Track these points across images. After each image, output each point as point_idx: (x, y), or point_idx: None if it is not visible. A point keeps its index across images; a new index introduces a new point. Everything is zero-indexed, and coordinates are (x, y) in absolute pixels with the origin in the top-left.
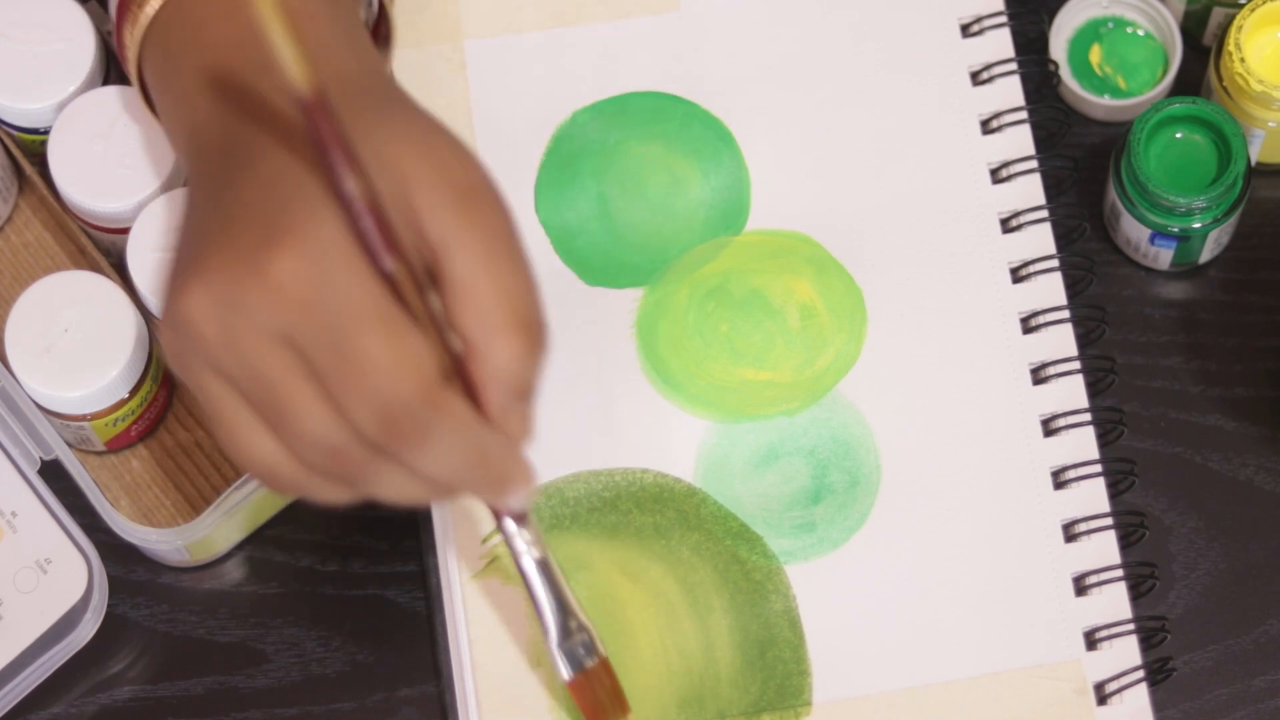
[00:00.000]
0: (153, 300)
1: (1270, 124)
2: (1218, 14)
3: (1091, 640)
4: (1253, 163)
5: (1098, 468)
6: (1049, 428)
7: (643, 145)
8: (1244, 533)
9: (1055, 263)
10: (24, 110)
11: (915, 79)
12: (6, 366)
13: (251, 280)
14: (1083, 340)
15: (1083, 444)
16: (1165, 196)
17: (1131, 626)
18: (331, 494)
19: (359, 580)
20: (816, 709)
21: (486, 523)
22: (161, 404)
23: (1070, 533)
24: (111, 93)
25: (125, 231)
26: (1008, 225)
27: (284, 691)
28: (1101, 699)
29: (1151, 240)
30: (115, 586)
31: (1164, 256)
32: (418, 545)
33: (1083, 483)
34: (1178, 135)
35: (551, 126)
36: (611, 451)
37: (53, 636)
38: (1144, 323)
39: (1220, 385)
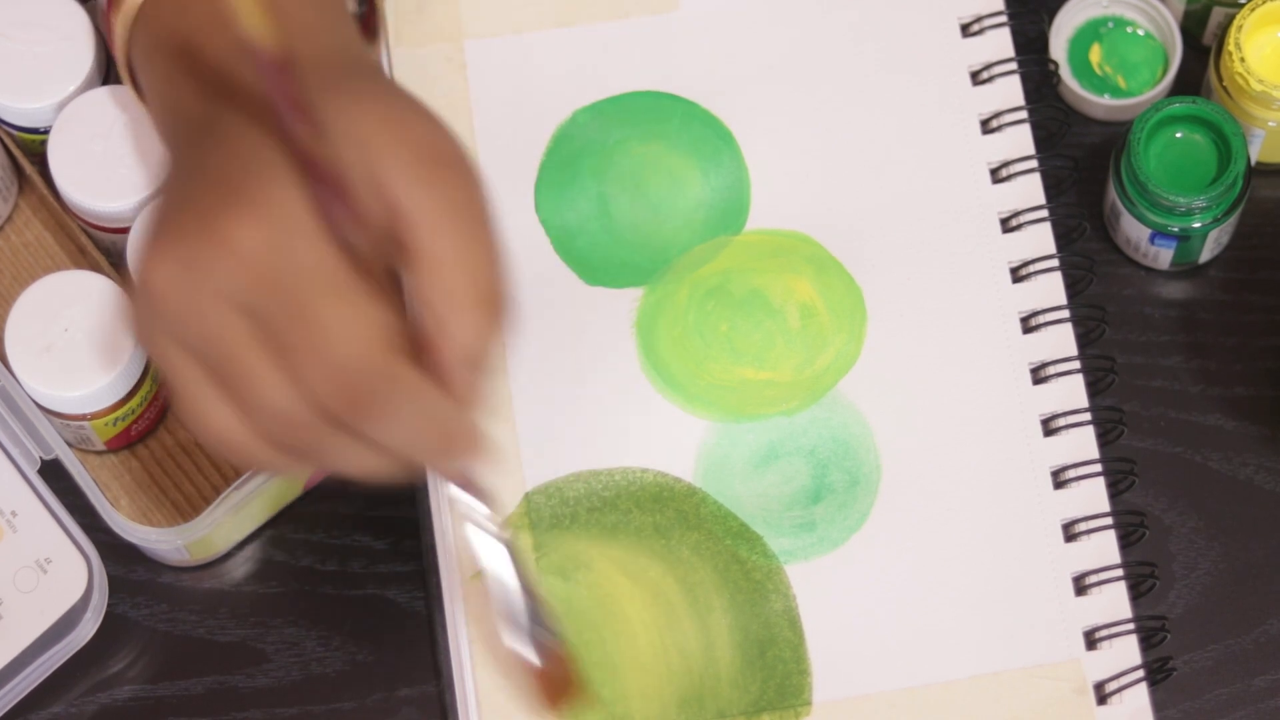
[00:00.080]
0: None
1: (1270, 124)
2: (1218, 14)
3: (1091, 640)
4: (1253, 162)
5: (1098, 467)
6: (1049, 427)
7: (643, 145)
8: (1244, 532)
9: (1055, 262)
10: (24, 110)
11: (915, 79)
12: (6, 366)
13: (210, 245)
14: (1083, 340)
15: (1083, 444)
16: (1165, 196)
17: (1131, 626)
18: (288, 466)
19: (359, 580)
20: (816, 709)
21: None
22: (161, 404)
23: (1070, 532)
24: (111, 93)
25: (125, 231)
26: (1008, 225)
27: (284, 691)
28: (1101, 699)
29: (1151, 240)
30: (115, 586)
31: (1164, 256)
32: (418, 545)
33: (1083, 482)
34: (1178, 135)
35: (551, 126)
36: (611, 451)
37: (53, 636)
38: (1144, 322)
39: (1220, 385)
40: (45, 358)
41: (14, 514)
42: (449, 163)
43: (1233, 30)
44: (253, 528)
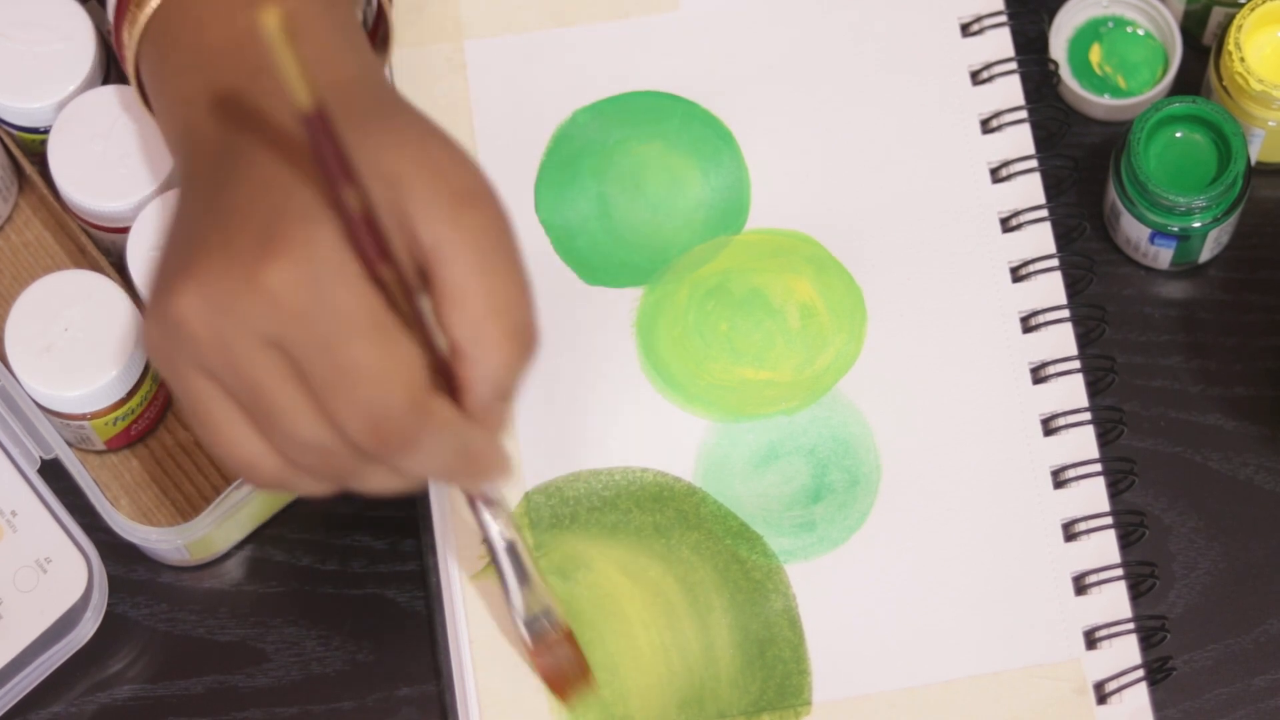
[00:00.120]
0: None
1: (1270, 123)
2: (1217, 13)
3: (1091, 640)
4: (1252, 162)
5: (1097, 467)
6: (1049, 427)
7: (643, 145)
8: (1244, 532)
9: (1055, 262)
10: (24, 110)
11: (915, 79)
12: (6, 366)
13: (247, 286)
14: (1083, 340)
15: (1082, 443)
16: (1165, 196)
17: (1131, 626)
18: (314, 489)
19: (359, 580)
20: (816, 708)
21: None
22: (161, 404)
23: (1070, 532)
24: (111, 93)
25: (125, 231)
26: (1008, 225)
27: (284, 691)
28: (1101, 698)
29: (1151, 240)
30: (115, 586)
31: (1164, 256)
32: (418, 545)
33: (1082, 482)
34: (1177, 135)
35: (551, 126)
36: (611, 451)
37: (53, 635)
38: (1144, 322)
39: (1220, 385)
40: (45, 357)
41: (14, 514)
42: (477, 199)
43: (1233, 30)
44: (253, 527)
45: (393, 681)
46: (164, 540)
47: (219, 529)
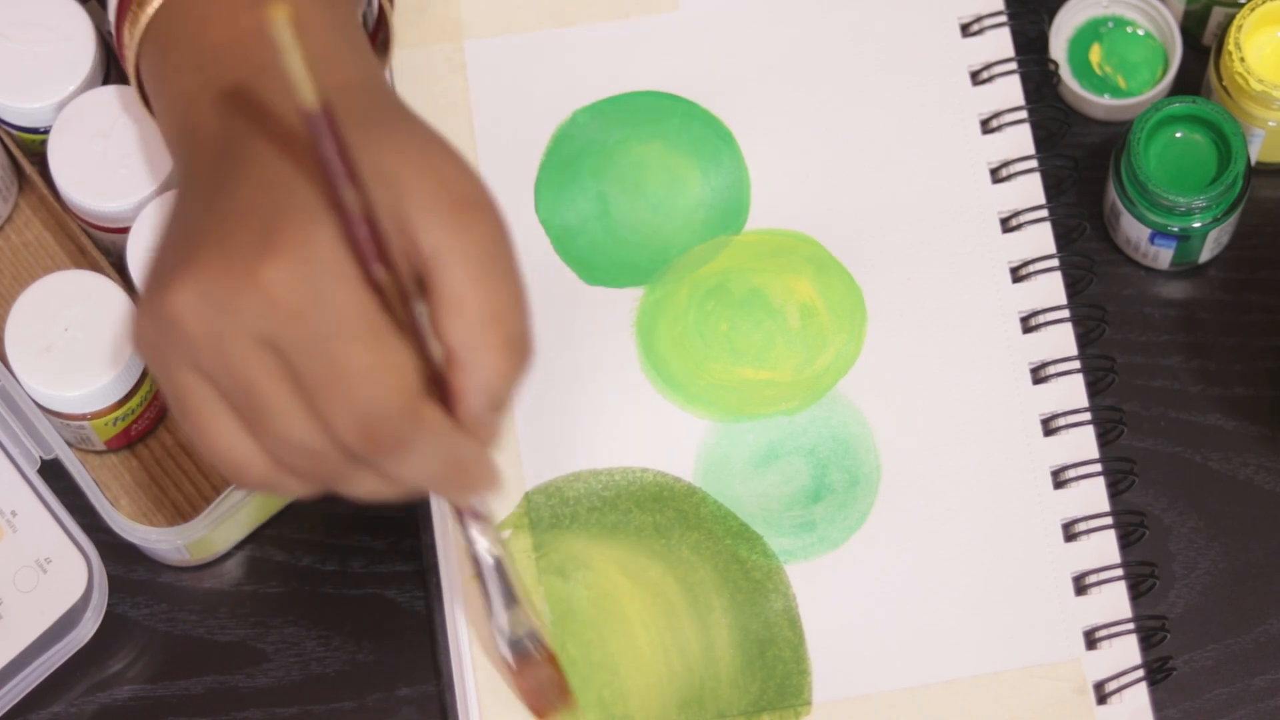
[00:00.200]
0: None
1: (1270, 123)
2: (1218, 13)
3: (1091, 640)
4: (1252, 162)
5: (1098, 467)
6: (1049, 427)
7: (643, 145)
8: (1244, 532)
9: (1055, 262)
10: (24, 110)
11: (915, 79)
12: (6, 366)
13: (243, 284)
14: (1083, 340)
15: (1083, 443)
16: (1165, 196)
17: (1131, 626)
18: (300, 491)
19: (359, 580)
20: (816, 708)
21: None
22: (161, 404)
23: (1070, 532)
24: (111, 93)
25: (125, 231)
26: (1008, 225)
27: (284, 691)
28: (1101, 698)
29: (1151, 240)
30: (115, 586)
31: (1164, 256)
32: (418, 545)
33: (1082, 482)
34: (1177, 135)
35: (551, 126)
36: (611, 451)
37: (53, 636)
38: (1144, 322)
39: (1220, 385)
40: (45, 358)
41: (14, 514)
42: (477, 208)
43: (1233, 30)
44: (253, 527)
45: (393, 681)
46: (164, 540)
47: (219, 529)
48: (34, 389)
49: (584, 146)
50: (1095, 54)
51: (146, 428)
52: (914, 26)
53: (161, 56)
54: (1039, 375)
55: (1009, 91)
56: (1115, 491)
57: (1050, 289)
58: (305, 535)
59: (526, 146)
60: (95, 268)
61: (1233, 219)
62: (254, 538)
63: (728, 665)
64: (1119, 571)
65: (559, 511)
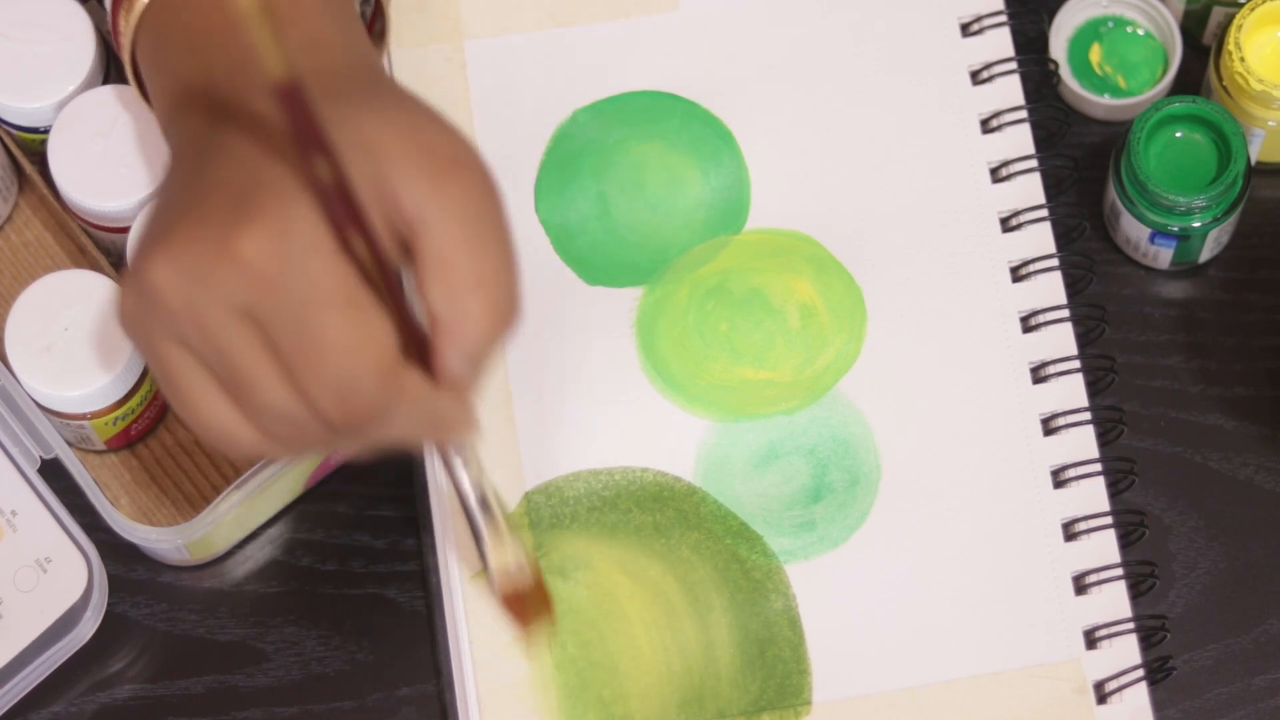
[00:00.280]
0: None
1: (1270, 123)
2: (1217, 13)
3: (1091, 639)
4: (1252, 162)
5: (1097, 467)
6: (1049, 427)
7: (643, 145)
8: (1244, 532)
9: (1055, 262)
10: (24, 110)
11: (915, 79)
12: (6, 365)
13: (219, 254)
14: (1083, 339)
15: (1083, 443)
16: (1165, 196)
17: (1131, 625)
18: (285, 456)
19: (359, 580)
20: (816, 708)
21: None
22: (162, 403)
23: (1070, 532)
24: (111, 92)
25: (125, 231)
26: (1008, 224)
27: (284, 691)
28: (1101, 698)
29: (1151, 239)
30: (115, 585)
31: (1164, 256)
32: (418, 545)
33: (1082, 482)
34: (1177, 134)
35: (551, 126)
36: (611, 451)
37: (53, 635)
38: (1144, 322)
39: (1220, 385)
40: (45, 357)
41: (14, 513)
42: (460, 165)
43: (1233, 30)
44: (253, 527)
45: (393, 681)
46: (164, 540)
47: (219, 529)
48: (34, 389)
49: (584, 146)
50: (1095, 54)
51: (146, 427)
52: (914, 26)
53: (155, 45)
54: (1039, 375)
55: (1009, 91)
56: (1115, 491)
57: (1050, 289)
58: (305, 535)
59: (526, 146)
60: (95, 268)
61: (1233, 219)
62: (254, 537)
63: (728, 665)
64: (1119, 571)
65: (559, 511)
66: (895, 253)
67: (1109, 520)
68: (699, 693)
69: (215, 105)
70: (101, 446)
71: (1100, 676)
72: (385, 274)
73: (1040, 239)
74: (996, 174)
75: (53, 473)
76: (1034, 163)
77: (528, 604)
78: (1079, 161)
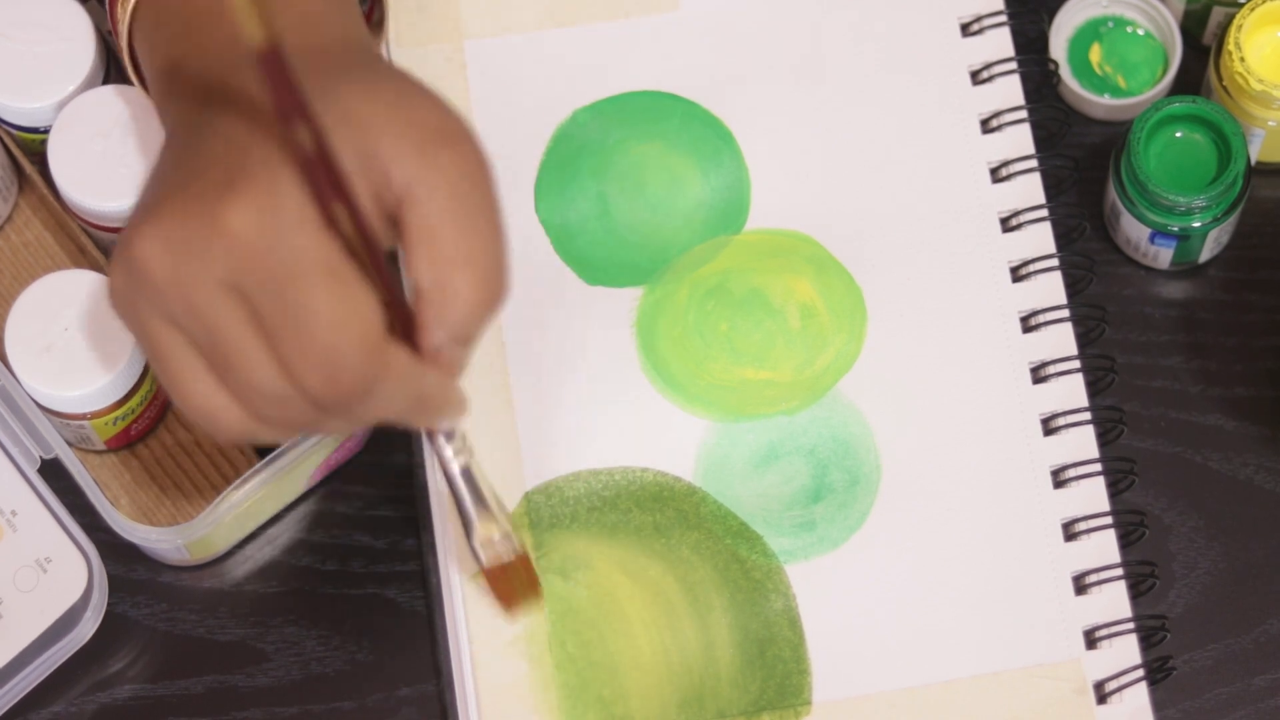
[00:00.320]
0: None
1: (1270, 123)
2: (1218, 13)
3: (1091, 639)
4: (1252, 162)
5: (1098, 467)
6: (1049, 427)
7: (643, 145)
8: (1244, 532)
9: (1055, 262)
10: (24, 110)
11: (915, 79)
12: (6, 365)
13: (204, 226)
14: (1083, 339)
15: (1083, 443)
16: (1165, 196)
17: (1131, 626)
18: (275, 438)
19: (359, 580)
20: (816, 708)
21: None
22: (162, 403)
23: (1070, 532)
24: (111, 92)
25: None
26: (1008, 225)
27: (284, 691)
28: (1101, 698)
29: (1151, 239)
30: (115, 585)
31: (1164, 256)
32: (418, 545)
33: (1083, 482)
34: (1178, 134)
35: (551, 126)
36: (611, 451)
37: (53, 635)
38: (1144, 322)
39: (1220, 385)
40: (45, 357)
41: (14, 513)
42: (450, 139)
43: (1233, 30)
44: (253, 527)
45: (393, 681)
46: (164, 540)
47: (219, 529)
48: (34, 389)
49: (584, 146)
50: (1095, 54)
51: (146, 427)
52: (914, 26)
53: (150, 30)
54: (1039, 375)
55: (1009, 91)
56: (1115, 491)
57: (1050, 289)
58: (305, 535)
59: (526, 146)
60: (95, 268)
61: (1233, 219)
62: (254, 537)
63: (728, 665)
64: (1119, 571)
65: (559, 511)
66: (895, 253)
67: (1109, 520)
68: (699, 693)
69: (206, 85)
70: (101, 446)
71: (1100, 676)
72: (370, 248)
73: (1040, 239)
74: (996, 174)
75: (53, 473)
76: (1034, 163)
77: (513, 579)
78: (1079, 162)
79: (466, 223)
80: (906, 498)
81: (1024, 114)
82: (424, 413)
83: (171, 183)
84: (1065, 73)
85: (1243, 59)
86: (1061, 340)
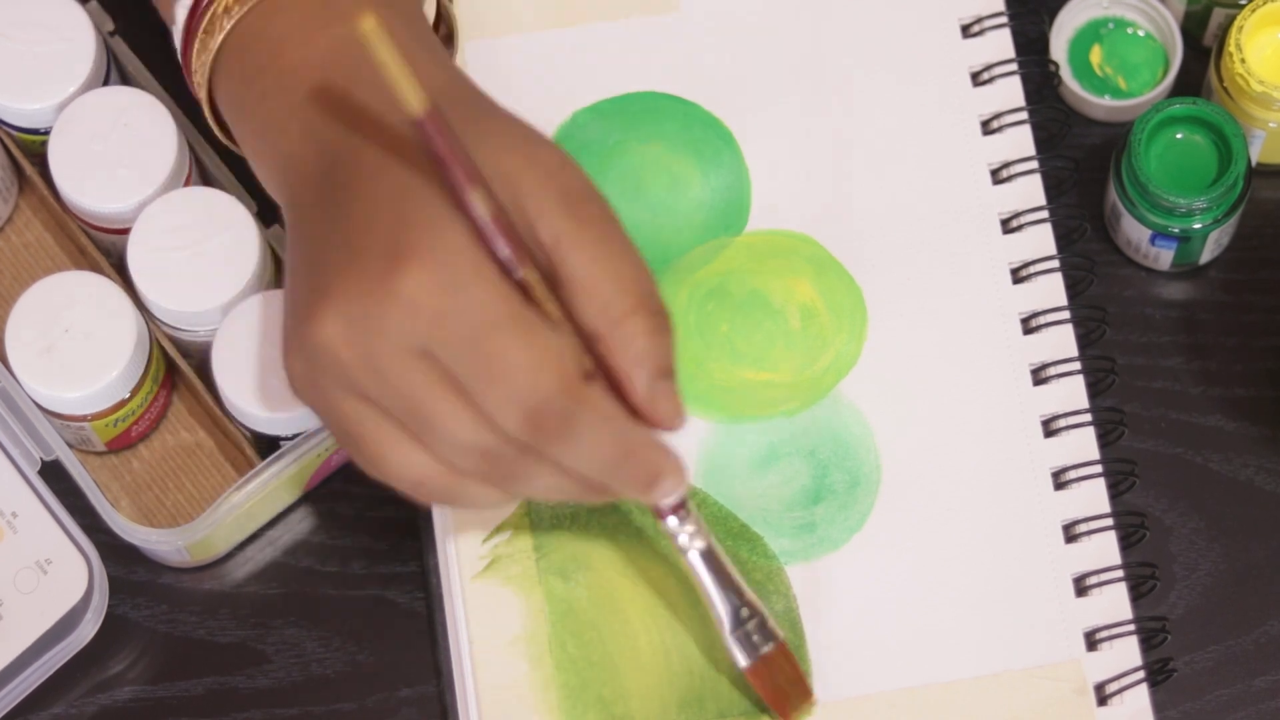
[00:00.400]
0: (153, 300)
1: (1271, 124)
2: (1218, 14)
3: (1092, 641)
4: (1253, 163)
5: (1098, 468)
6: (1049, 428)
7: (643, 145)
8: (1244, 533)
9: (1056, 263)
10: (24, 110)
11: (916, 80)
12: (6, 367)
13: (385, 300)
14: (1083, 341)
15: (1083, 444)
16: (1166, 197)
17: (1132, 627)
18: (483, 497)
19: (359, 580)
20: (817, 708)
21: (487, 524)
22: (162, 404)
23: (1070, 533)
24: (111, 93)
25: (125, 231)
26: (1008, 226)
27: (284, 691)
28: (1102, 699)
29: (1152, 241)
30: (115, 587)
31: (1164, 257)
32: (418, 545)
33: (1083, 483)
34: (1178, 136)
35: (551, 126)
36: None
37: (53, 637)
38: (1144, 323)
39: (1220, 385)
40: (45, 358)
41: (14, 515)
42: (589, 195)
43: (1233, 31)
44: (253, 529)
45: (393, 682)
46: (164, 541)
47: (219, 530)
48: (34, 390)
49: (583, 147)
50: (1096, 55)
51: (147, 429)
52: (914, 27)
53: (240, 85)
54: (1039, 376)
55: (1009, 92)
56: (1116, 492)
57: (1051, 290)
58: (305, 536)
59: None
60: (95, 268)
61: (1233, 220)
62: (254, 539)
63: (728, 665)
64: (1119, 572)
65: (559, 511)
66: (896, 254)
67: (1109, 522)
68: (699, 693)
69: (332, 141)
70: (102, 448)
71: (1101, 678)
72: (556, 294)
73: (1041, 240)
74: (997, 175)
75: (53, 474)
76: (1034, 164)
77: (777, 674)
78: (1079, 163)
79: (617, 264)
80: (907, 499)
81: (1024, 115)
82: (632, 467)
83: (330, 255)
84: (1066, 74)
85: (1243, 60)
86: (1062, 341)
